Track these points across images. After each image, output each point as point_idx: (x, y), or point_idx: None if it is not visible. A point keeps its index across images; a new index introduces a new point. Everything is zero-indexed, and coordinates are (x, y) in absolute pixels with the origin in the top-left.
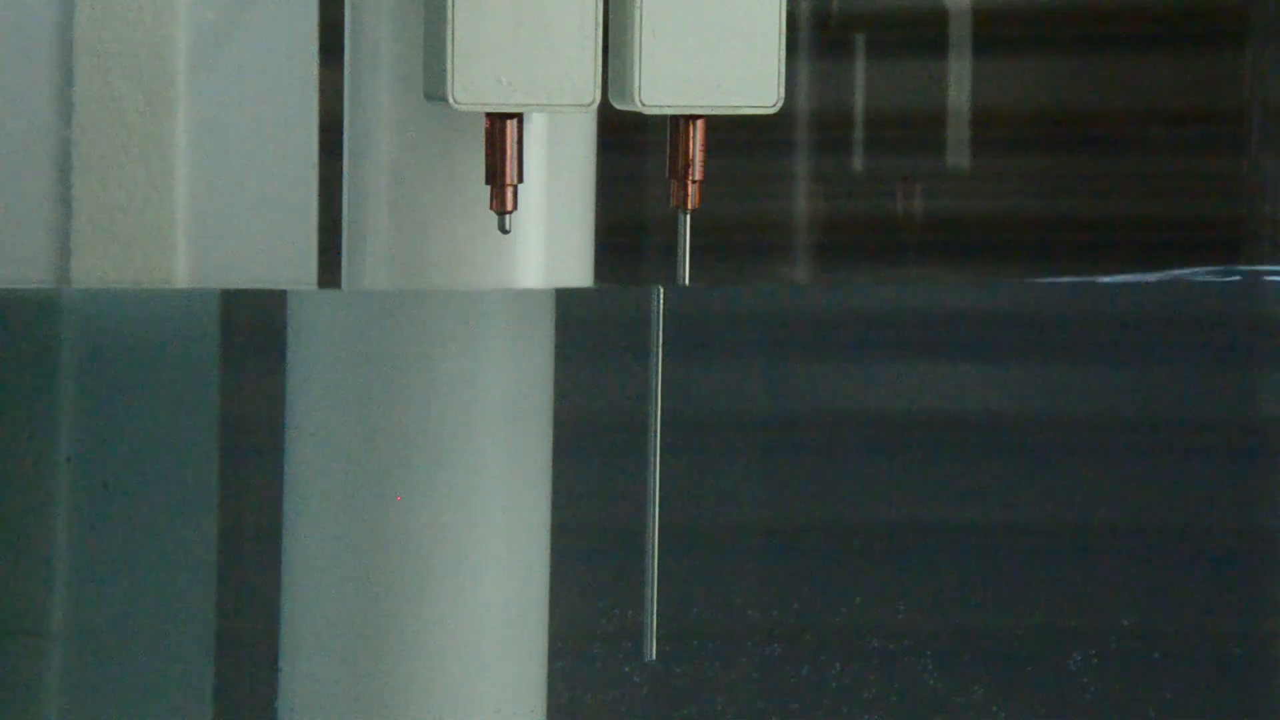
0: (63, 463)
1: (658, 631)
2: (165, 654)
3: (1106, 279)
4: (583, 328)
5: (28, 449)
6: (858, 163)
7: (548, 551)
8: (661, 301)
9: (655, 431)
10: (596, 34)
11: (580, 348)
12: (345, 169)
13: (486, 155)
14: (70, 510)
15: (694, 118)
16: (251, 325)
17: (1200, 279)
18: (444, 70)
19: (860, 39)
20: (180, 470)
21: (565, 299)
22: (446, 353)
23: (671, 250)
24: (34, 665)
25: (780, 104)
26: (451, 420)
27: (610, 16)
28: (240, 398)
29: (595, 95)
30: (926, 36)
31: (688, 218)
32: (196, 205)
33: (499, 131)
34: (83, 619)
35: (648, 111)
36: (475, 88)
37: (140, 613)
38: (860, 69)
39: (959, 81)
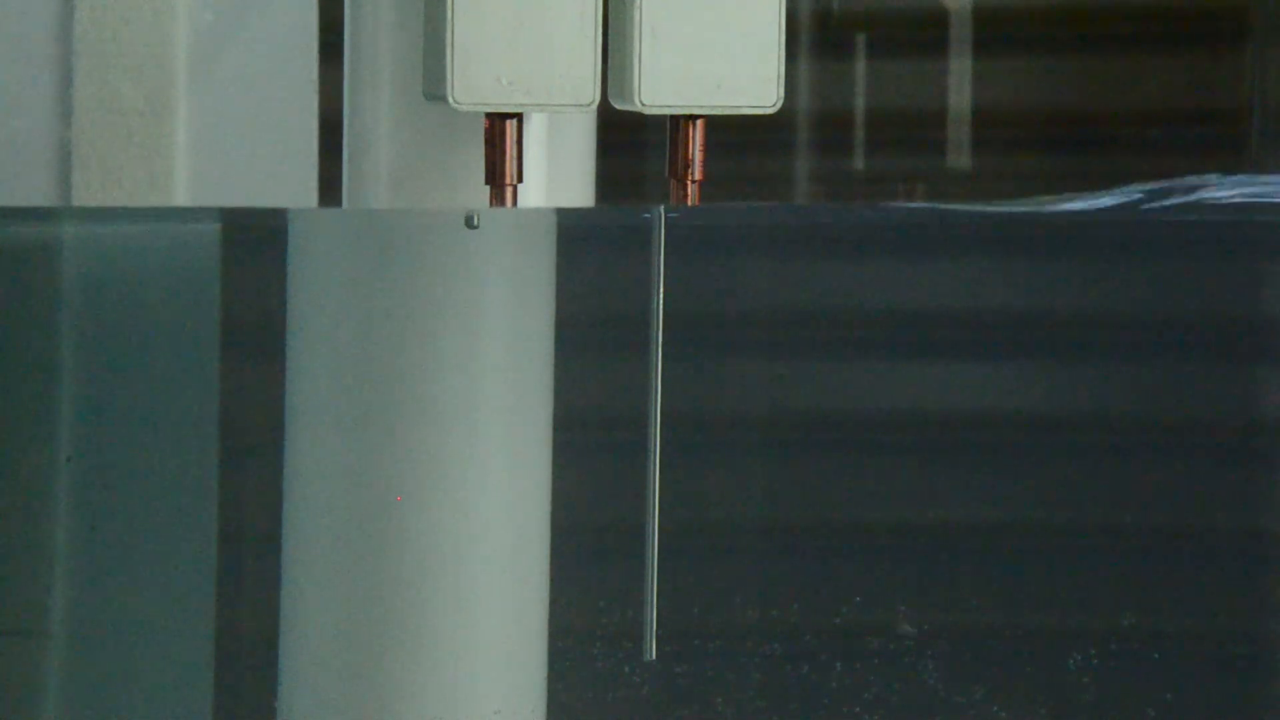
0: (63, 463)
1: (658, 631)
2: (165, 654)
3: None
4: (584, 323)
5: (28, 449)
6: (858, 163)
7: (548, 551)
8: (663, 224)
9: (655, 427)
10: (596, 34)
11: (581, 341)
12: (345, 169)
13: (486, 155)
14: (70, 510)
15: (694, 118)
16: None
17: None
18: (444, 70)
19: (860, 39)
20: (180, 468)
21: (565, 270)
22: (447, 311)
23: None
24: (34, 665)
25: (780, 104)
26: (450, 393)
27: (610, 16)
28: (240, 377)
29: (595, 95)
30: (926, 36)
31: None
32: (196, 205)
33: (499, 131)
34: (83, 619)
35: (648, 111)
36: (475, 88)
37: (140, 613)
38: (860, 69)
39: (959, 81)
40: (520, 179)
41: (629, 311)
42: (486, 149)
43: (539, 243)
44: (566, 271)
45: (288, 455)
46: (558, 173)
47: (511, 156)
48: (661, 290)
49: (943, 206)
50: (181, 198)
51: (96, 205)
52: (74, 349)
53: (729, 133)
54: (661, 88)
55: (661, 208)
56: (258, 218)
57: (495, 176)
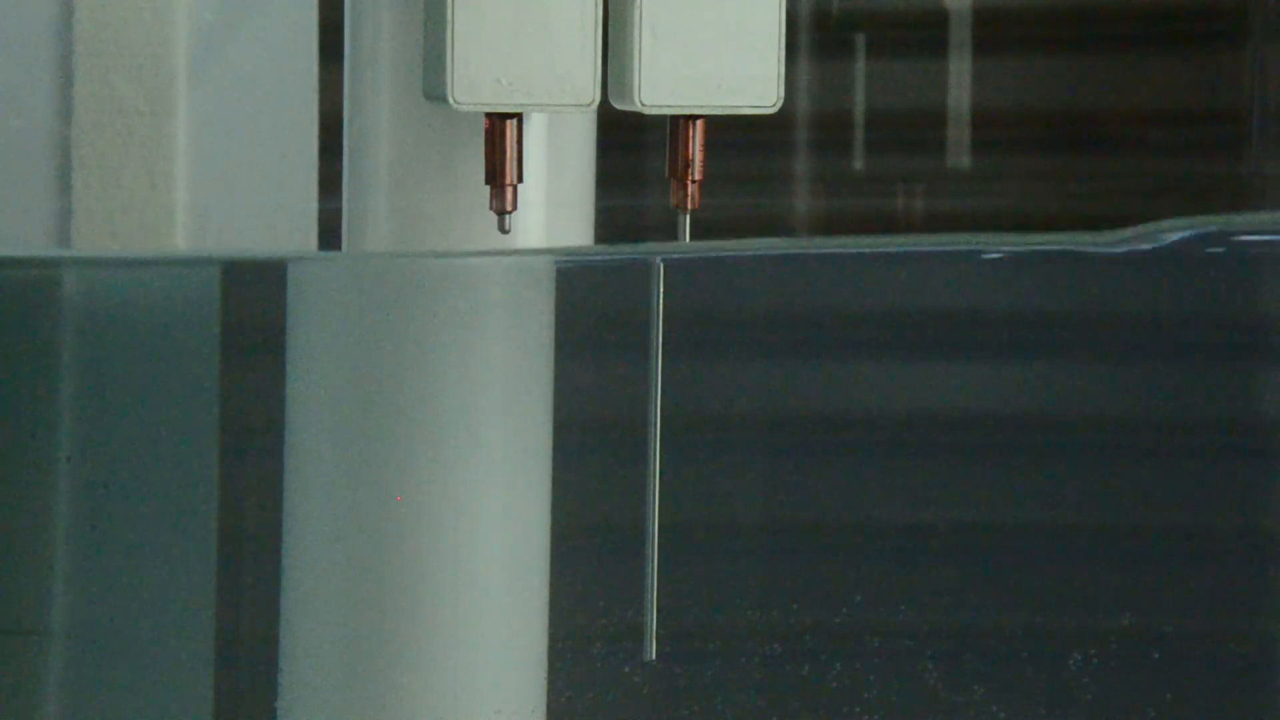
0: (63, 463)
1: (658, 631)
2: (165, 654)
3: (1098, 248)
4: (583, 321)
5: (28, 449)
6: (858, 163)
7: (548, 551)
8: (661, 274)
9: (655, 427)
10: (596, 34)
11: (581, 343)
12: (345, 169)
13: (486, 155)
14: (70, 510)
15: (694, 118)
16: (252, 303)
17: (1177, 237)
18: (444, 70)
19: (860, 39)
20: (180, 470)
21: (565, 277)
22: (447, 323)
23: None
24: (34, 665)
25: (780, 104)
26: (451, 398)
27: (610, 16)
28: (240, 386)
29: (595, 95)
30: (926, 36)
31: (688, 218)
32: (196, 205)
33: (499, 131)
34: (83, 619)
35: (648, 111)
36: (475, 88)
37: (140, 613)
38: (860, 69)
39: (959, 81)
40: (520, 179)
41: (629, 324)
42: (486, 149)
43: (538, 281)
44: (565, 294)
45: (288, 455)
46: (558, 173)
47: (511, 156)
48: (660, 346)
49: (942, 244)
50: (181, 198)
51: (98, 247)
52: (75, 379)
53: (729, 133)
54: (661, 88)
55: (660, 260)
56: (259, 267)
57: (495, 176)
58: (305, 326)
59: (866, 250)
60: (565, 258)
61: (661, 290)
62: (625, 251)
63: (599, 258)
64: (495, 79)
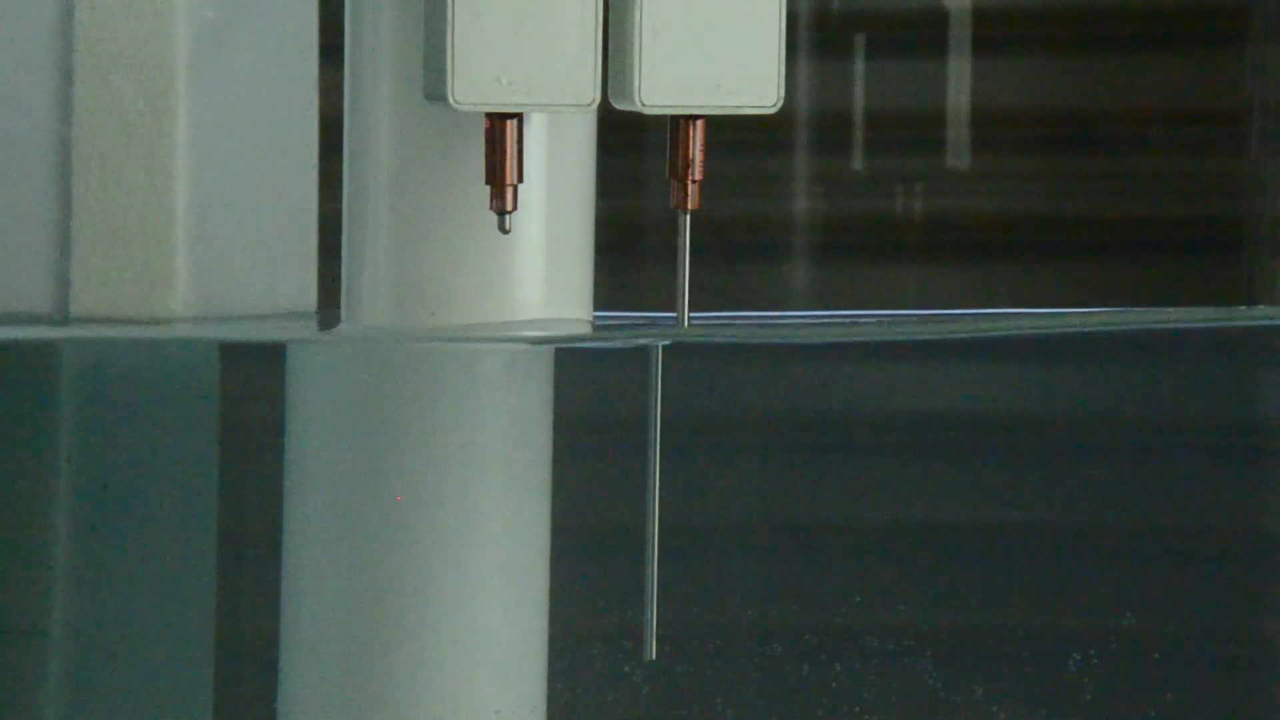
0: (63, 463)
1: (658, 631)
2: (165, 654)
3: (1110, 327)
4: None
5: (28, 449)
6: (858, 163)
7: (548, 551)
8: (660, 358)
9: (655, 433)
10: (596, 34)
11: (580, 351)
12: (345, 169)
13: (486, 155)
14: (70, 510)
15: (694, 118)
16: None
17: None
18: (444, 70)
19: (860, 39)
20: (181, 471)
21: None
22: (446, 396)
23: (671, 251)
24: (34, 665)
25: (780, 104)
26: (452, 445)
27: (610, 16)
28: (240, 412)
29: (595, 95)
30: (926, 36)
31: (688, 218)
32: (196, 205)
33: (499, 131)
34: (83, 619)
35: (648, 111)
36: (475, 88)
37: (140, 613)
38: (860, 69)
39: (959, 81)
40: (520, 179)
41: (628, 323)
42: (486, 149)
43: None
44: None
45: (288, 455)
46: (558, 173)
47: (511, 156)
48: (659, 419)
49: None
50: (180, 198)
51: (94, 317)
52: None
53: (729, 133)
54: (661, 88)
55: (659, 346)
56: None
57: (495, 176)
58: (304, 380)
59: (877, 339)
60: (563, 344)
61: (660, 373)
62: (625, 338)
63: (598, 344)
64: (495, 79)
